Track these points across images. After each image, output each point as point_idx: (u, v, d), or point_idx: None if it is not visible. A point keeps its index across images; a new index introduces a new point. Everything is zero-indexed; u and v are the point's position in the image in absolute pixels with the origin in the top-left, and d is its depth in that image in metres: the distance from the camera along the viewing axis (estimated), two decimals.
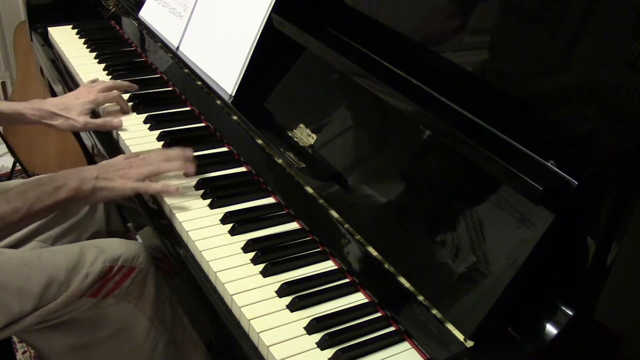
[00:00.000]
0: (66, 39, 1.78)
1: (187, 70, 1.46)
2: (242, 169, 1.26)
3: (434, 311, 0.87)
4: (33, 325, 1.10)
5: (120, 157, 1.19)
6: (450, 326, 0.85)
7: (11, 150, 2.45)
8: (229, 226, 1.08)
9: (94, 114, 1.43)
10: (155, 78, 1.59)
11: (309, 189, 1.10)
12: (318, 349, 0.88)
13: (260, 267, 1.00)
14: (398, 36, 1.06)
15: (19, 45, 2.46)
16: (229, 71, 1.30)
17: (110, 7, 1.85)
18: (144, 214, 1.17)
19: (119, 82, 1.46)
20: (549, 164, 0.80)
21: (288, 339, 0.89)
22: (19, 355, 1.82)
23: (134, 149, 1.29)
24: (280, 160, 1.17)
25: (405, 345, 0.90)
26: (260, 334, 0.89)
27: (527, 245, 0.79)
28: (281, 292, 0.96)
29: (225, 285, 0.97)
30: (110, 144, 1.37)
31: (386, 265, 0.95)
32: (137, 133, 1.36)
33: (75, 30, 1.82)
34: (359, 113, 1.10)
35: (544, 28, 0.84)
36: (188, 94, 1.48)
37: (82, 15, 1.89)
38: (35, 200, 1.03)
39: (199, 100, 1.44)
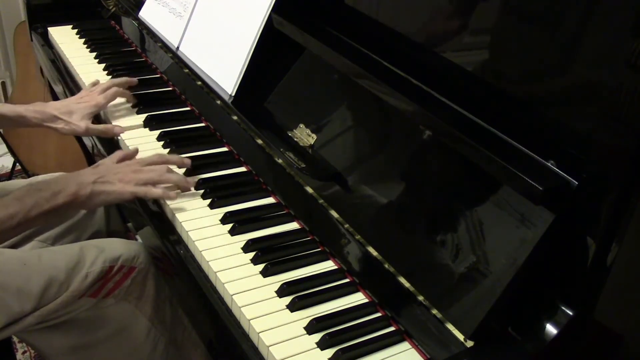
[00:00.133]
0: (66, 39, 1.78)
1: (187, 70, 1.46)
2: (242, 169, 1.26)
3: (434, 311, 0.87)
4: (33, 325, 1.10)
5: (116, 156, 1.19)
6: (450, 326, 0.85)
7: (11, 150, 2.45)
8: (229, 226, 1.08)
9: (96, 117, 1.43)
10: (155, 78, 1.59)
11: (309, 189, 1.10)
12: (318, 349, 0.88)
13: (260, 267, 1.00)
14: (398, 36, 1.06)
15: (19, 45, 2.46)
16: (229, 71, 1.30)
17: (110, 7, 1.84)
18: (144, 214, 1.17)
19: (117, 80, 1.46)
20: (549, 164, 0.80)
21: (288, 339, 0.89)
22: (19, 355, 1.82)
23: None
24: (280, 160, 1.17)
25: (405, 345, 0.91)
26: (260, 334, 0.89)
27: (527, 245, 0.79)
28: (281, 292, 0.96)
29: (225, 285, 0.97)
30: (110, 144, 1.37)
31: (386, 265, 0.95)
32: (137, 133, 1.36)
33: (75, 30, 1.82)
34: (359, 113, 1.10)
35: (544, 28, 0.84)
36: (188, 94, 1.48)
37: (82, 15, 1.89)
38: (32, 206, 1.03)
39: (199, 100, 1.44)
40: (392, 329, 0.92)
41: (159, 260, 1.21)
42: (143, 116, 1.41)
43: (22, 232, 1.15)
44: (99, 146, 1.41)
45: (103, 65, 1.63)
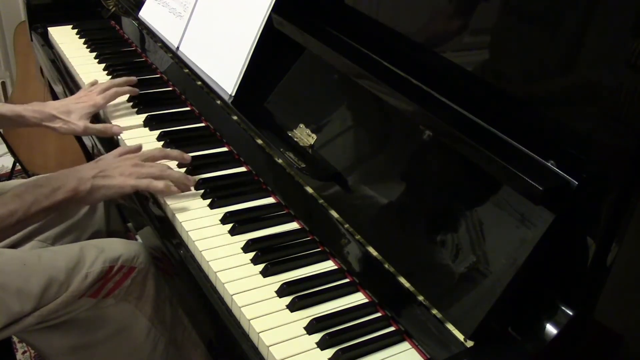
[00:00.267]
0: (66, 39, 1.78)
1: (187, 70, 1.46)
2: (242, 169, 1.26)
3: (434, 311, 0.87)
4: (33, 326, 1.10)
5: (118, 151, 1.19)
6: (450, 326, 0.85)
7: (11, 150, 2.45)
8: (229, 226, 1.08)
9: (96, 116, 1.43)
10: (155, 78, 1.59)
11: (309, 189, 1.10)
12: (318, 349, 0.88)
13: (260, 267, 1.00)
14: (398, 36, 1.06)
15: (19, 45, 2.46)
16: (229, 71, 1.30)
17: (110, 7, 1.84)
18: (144, 214, 1.17)
19: (116, 80, 1.46)
20: (549, 164, 0.80)
21: (288, 339, 0.89)
22: (19, 355, 1.82)
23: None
24: (280, 160, 1.17)
25: (405, 345, 0.91)
26: (260, 334, 0.89)
27: (527, 245, 0.79)
28: (281, 292, 0.96)
29: (225, 285, 0.97)
30: (111, 144, 1.37)
31: (386, 265, 0.95)
32: (137, 133, 1.36)
33: (75, 30, 1.82)
34: (359, 113, 1.10)
35: (544, 28, 0.84)
36: (188, 94, 1.48)
37: (82, 15, 1.89)
38: (32, 203, 1.03)
39: (199, 100, 1.44)
40: (392, 329, 0.92)
41: (159, 260, 1.21)
42: (143, 116, 1.41)
43: (23, 229, 1.15)
44: (99, 146, 1.41)
45: (103, 65, 1.63)
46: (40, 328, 1.13)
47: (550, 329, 0.80)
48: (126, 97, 1.47)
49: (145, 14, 1.66)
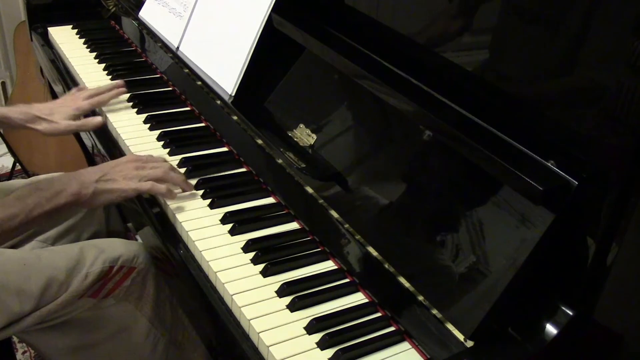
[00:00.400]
0: (66, 39, 1.78)
1: (187, 70, 1.46)
2: (242, 169, 1.26)
3: (434, 311, 0.87)
4: (33, 326, 1.10)
5: (124, 159, 1.19)
6: (450, 326, 0.85)
7: (11, 150, 2.45)
8: (229, 226, 1.08)
9: (94, 114, 1.43)
10: (155, 78, 1.59)
11: (309, 189, 1.10)
12: (318, 349, 0.88)
13: (260, 267, 1.00)
14: (398, 36, 1.06)
15: (19, 45, 2.46)
16: (229, 71, 1.30)
17: (110, 7, 1.85)
18: (144, 214, 1.17)
19: (103, 86, 1.46)
20: (549, 164, 0.80)
21: (288, 339, 0.89)
22: (19, 355, 1.82)
23: (134, 149, 1.29)
24: (280, 160, 1.17)
25: (405, 345, 0.90)
26: (260, 334, 0.89)
27: (527, 245, 0.79)
28: (281, 292, 0.96)
29: (225, 285, 0.97)
30: (110, 144, 1.37)
31: (386, 265, 0.95)
32: (137, 133, 1.36)
33: (75, 30, 1.82)
34: (359, 113, 1.10)
35: (545, 28, 0.84)
36: (188, 94, 1.48)
37: (82, 15, 1.89)
38: (34, 206, 1.03)
39: (199, 100, 1.44)
40: (392, 329, 0.92)
41: (159, 260, 1.21)
42: (143, 116, 1.41)
43: (24, 232, 1.15)
44: (99, 146, 1.41)
45: (103, 65, 1.63)
46: (40, 328, 1.13)
47: (550, 329, 0.80)
48: (126, 97, 1.47)
49: (145, 14, 1.66)
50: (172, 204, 1.13)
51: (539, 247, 0.78)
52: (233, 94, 1.28)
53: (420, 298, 0.89)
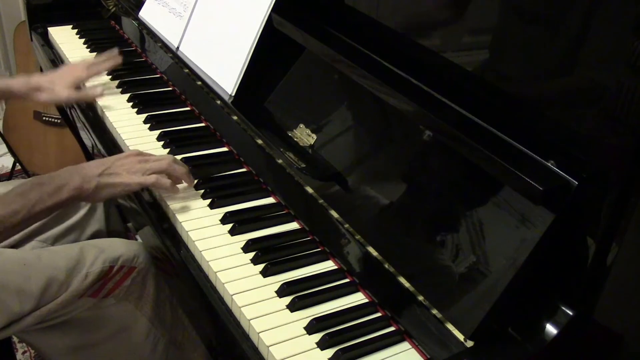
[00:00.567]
0: (66, 39, 1.78)
1: (187, 70, 1.46)
2: (242, 169, 1.26)
3: (434, 311, 0.87)
4: (33, 325, 1.10)
5: (126, 153, 1.18)
6: (450, 326, 0.85)
7: (11, 150, 2.45)
8: (229, 226, 1.08)
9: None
10: (155, 78, 1.59)
11: (309, 189, 1.10)
12: (318, 349, 0.88)
13: (260, 267, 1.00)
14: (398, 36, 1.06)
15: (19, 45, 2.46)
16: (229, 71, 1.30)
17: (110, 7, 1.84)
18: (144, 214, 1.17)
19: (100, 55, 1.52)
20: (549, 164, 0.80)
21: (288, 339, 0.89)
22: (19, 355, 1.82)
23: (134, 149, 1.29)
24: (280, 160, 1.17)
25: (405, 345, 0.91)
26: (260, 334, 0.89)
27: (527, 245, 0.79)
28: (281, 292, 0.96)
29: (225, 285, 0.97)
30: (110, 144, 1.37)
31: (386, 265, 0.95)
32: (137, 133, 1.36)
33: (75, 30, 1.82)
34: (359, 113, 1.10)
35: (545, 28, 0.84)
36: (188, 94, 1.48)
37: (82, 15, 1.89)
38: (36, 202, 1.02)
39: (199, 100, 1.44)
40: (392, 329, 0.92)
41: (159, 260, 1.21)
42: (143, 116, 1.41)
43: (26, 228, 1.15)
44: (99, 146, 1.41)
45: None
46: (40, 328, 1.13)
47: (550, 329, 0.80)
48: (126, 97, 1.47)
49: (145, 14, 1.66)
50: (172, 204, 1.13)
51: (539, 247, 0.78)
52: (233, 94, 1.28)
53: (420, 298, 0.89)
